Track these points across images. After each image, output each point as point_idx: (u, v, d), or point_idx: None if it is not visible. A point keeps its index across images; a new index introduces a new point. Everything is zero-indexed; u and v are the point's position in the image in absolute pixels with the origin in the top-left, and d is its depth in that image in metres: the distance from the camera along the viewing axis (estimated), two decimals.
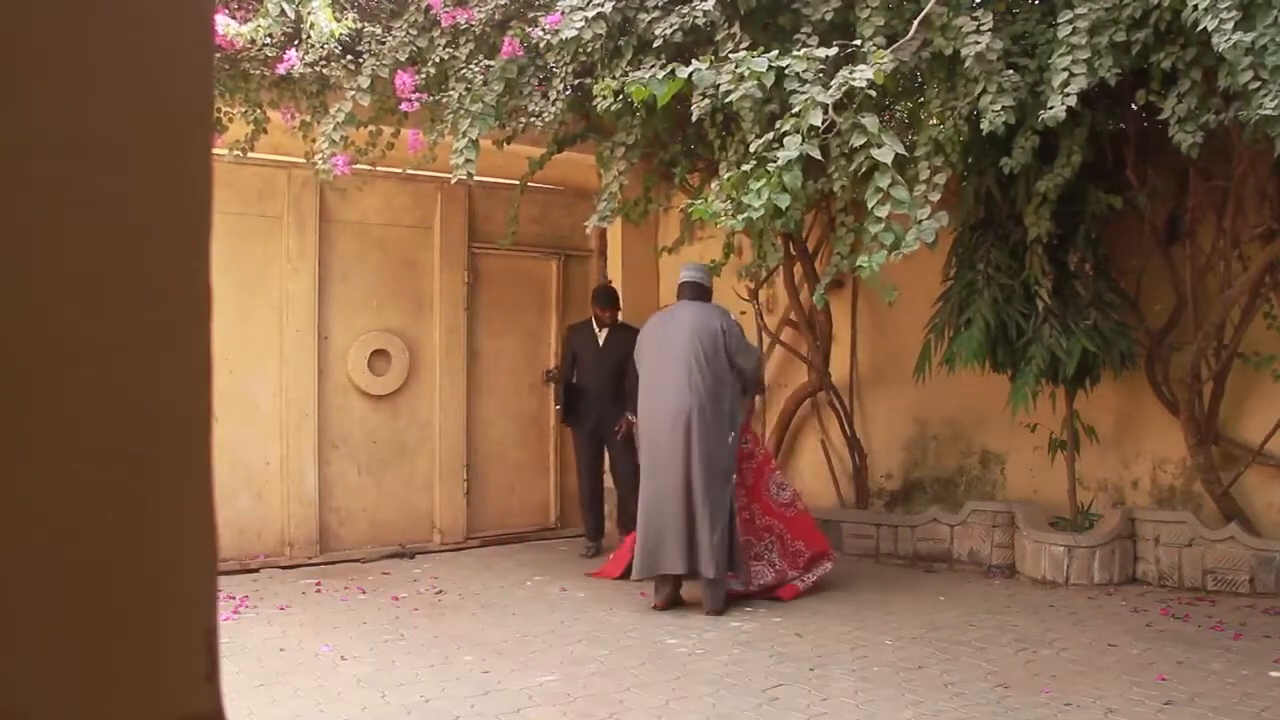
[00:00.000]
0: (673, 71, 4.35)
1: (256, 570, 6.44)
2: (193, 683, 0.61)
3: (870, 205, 4.26)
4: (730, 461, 5.36)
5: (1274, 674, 4.09)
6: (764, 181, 4.11)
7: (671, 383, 5.27)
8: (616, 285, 8.09)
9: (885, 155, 4.20)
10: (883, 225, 4.21)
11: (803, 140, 4.14)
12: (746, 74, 4.31)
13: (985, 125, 4.49)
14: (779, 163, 4.09)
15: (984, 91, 4.49)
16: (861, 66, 4.25)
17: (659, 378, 5.34)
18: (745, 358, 5.49)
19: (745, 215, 4.21)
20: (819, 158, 4.31)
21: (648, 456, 5.34)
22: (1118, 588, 5.62)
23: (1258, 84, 3.87)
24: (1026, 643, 4.63)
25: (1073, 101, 4.26)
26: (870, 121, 4.24)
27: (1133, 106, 5.25)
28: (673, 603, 5.37)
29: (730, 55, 4.56)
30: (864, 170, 4.37)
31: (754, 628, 4.99)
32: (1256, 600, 5.24)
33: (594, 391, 6.96)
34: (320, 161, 5.62)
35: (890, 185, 4.19)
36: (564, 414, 7.15)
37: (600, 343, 7.04)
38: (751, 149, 4.43)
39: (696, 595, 5.56)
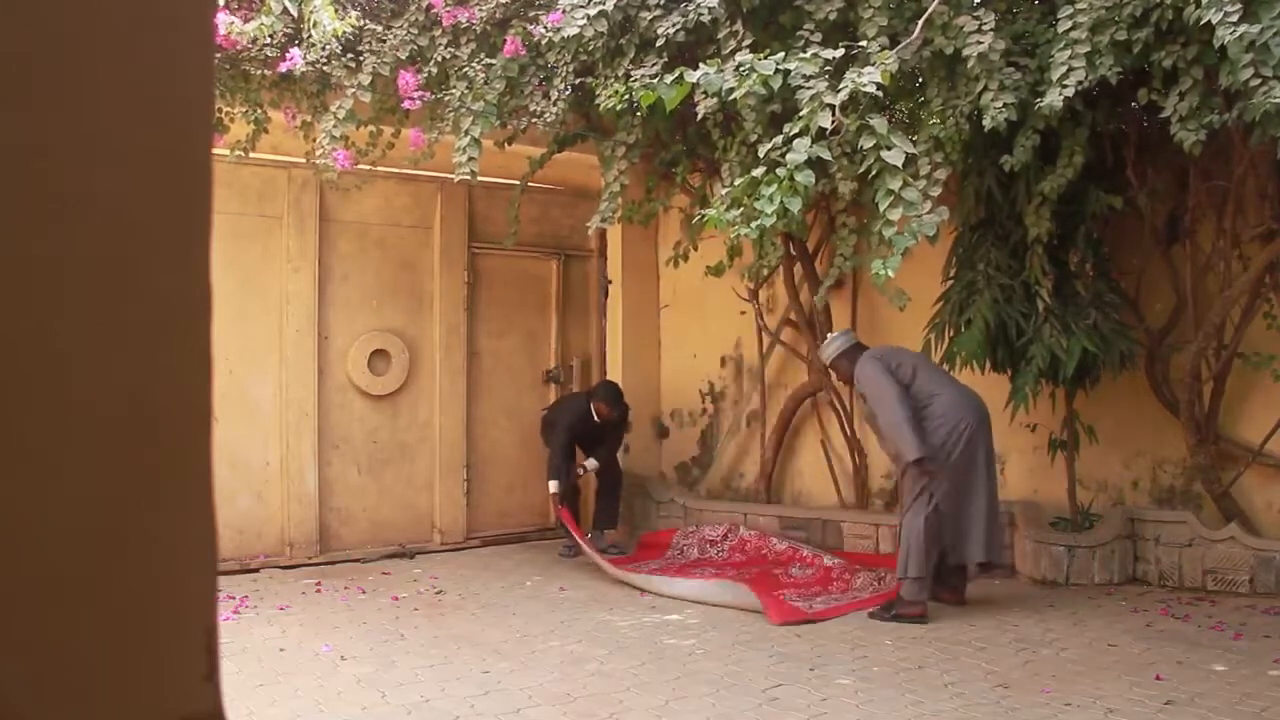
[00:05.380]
0: (680, 76, 4.33)
1: (256, 570, 6.45)
2: (193, 683, 0.61)
3: (882, 209, 4.24)
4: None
5: (1274, 674, 4.08)
6: (776, 186, 4.09)
7: (964, 390, 5.32)
8: (616, 285, 8.09)
9: (895, 158, 4.17)
10: (895, 229, 4.19)
11: (812, 142, 4.13)
12: (754, 78, 4.30)
13: (987, 121, 4.48)
14: (790, 165, 4.08)
15: (985, 89, 4.49)
16: (868, 69, 4.23)
17: (952, 387, 5.32)
18: None
19: (758, 223, 4.20)
20: (829, 158, 4.31)
21: (964, 459, 5.20)
22: (1118, 588, 5.62)
23: (1258, 81, 3.86)
24: (1026, 643, 4.63)
25: (1070, 93, 4.25)
26: (879, 123, 4.22)
27: (1133, 106, 5.25)
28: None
29: (736, 57, 4.55)
30: (871, 173, 4.35)
31: (754, 628, 4.99)
32: (1256, 600, 5.24)
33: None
34: (321, 157, 5.62)
35: (901, 188, 4.18)
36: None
37: (594, 426, 7.05)
38: (760, 153, 4.42)
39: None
